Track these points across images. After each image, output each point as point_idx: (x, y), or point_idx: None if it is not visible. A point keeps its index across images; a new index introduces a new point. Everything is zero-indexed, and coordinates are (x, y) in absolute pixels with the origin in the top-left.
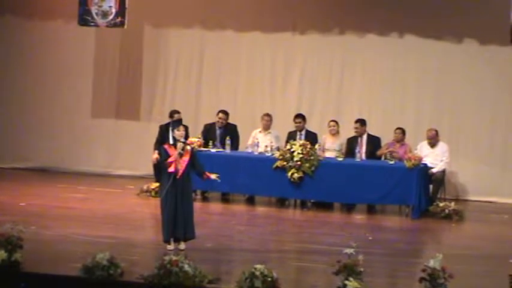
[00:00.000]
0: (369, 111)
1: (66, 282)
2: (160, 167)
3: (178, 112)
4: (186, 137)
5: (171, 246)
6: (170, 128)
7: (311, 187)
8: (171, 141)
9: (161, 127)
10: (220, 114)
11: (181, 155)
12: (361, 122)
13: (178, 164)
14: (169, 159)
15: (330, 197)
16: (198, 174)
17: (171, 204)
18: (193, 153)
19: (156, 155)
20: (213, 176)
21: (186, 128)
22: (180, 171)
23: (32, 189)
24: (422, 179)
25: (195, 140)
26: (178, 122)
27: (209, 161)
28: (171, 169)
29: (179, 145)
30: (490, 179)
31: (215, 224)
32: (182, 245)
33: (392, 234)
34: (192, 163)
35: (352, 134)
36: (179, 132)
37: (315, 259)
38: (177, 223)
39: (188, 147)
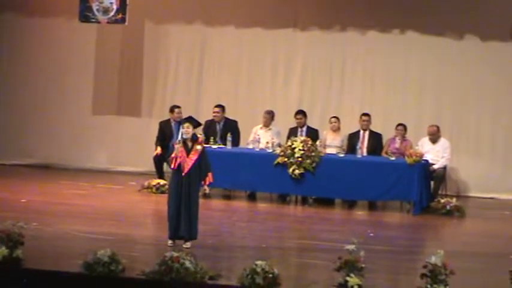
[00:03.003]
0: (370, 107)
1: (68, 278)
2: (158, 163)
3: (178, 107)
4: (194, 132)
5: (171, 242)
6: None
7: (312, 183)
8: (179, 138)
9: (161, 124)
10: (215, 109)
11: (188, 152)
12: (369, 116)
13: (184, 162)
14: (172, 156)
15: (331, 193)
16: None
17: (174, 202)
18: (203, 154)
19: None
20: (205, 183)
21: (192, 121)
22: (186, 169)
23: (33, 185)
24: (424, 175)
25: (198, 136)
26: (185, 119)
27: (210, 158)
28: (173, 166)
29: (177, 141)
30: (491, 175)
31: (216, 221)
32: (188, 244)
33: (393, 231)
34: (199, 163)
35: (353, 129)
36: (183, 130)
37: (316, 255)
38: (180, 222)
39: (198, 147)
